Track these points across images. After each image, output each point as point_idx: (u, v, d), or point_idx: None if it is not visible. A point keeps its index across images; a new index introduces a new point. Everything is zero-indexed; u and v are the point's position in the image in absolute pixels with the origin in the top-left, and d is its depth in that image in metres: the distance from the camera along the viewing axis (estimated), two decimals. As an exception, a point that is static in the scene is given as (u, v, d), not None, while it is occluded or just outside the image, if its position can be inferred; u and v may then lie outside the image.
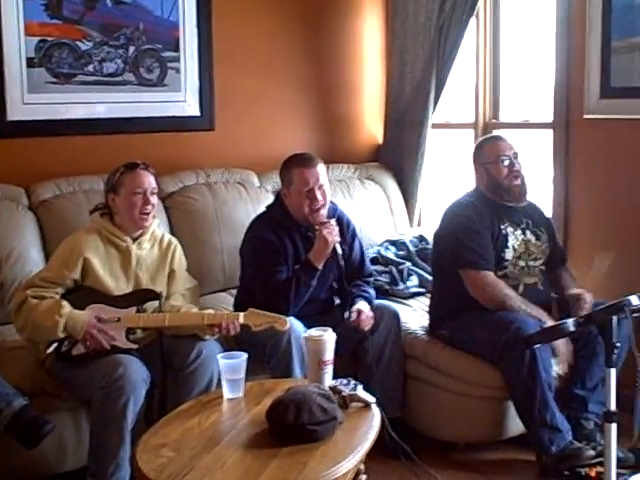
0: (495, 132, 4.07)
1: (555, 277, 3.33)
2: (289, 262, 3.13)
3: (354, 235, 3.34)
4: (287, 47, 4.29)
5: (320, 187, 3.14)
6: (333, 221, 3.14)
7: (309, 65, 4.37)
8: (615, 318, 2.64)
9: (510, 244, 3.22)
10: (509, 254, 3.21)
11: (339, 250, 3.15)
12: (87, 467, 2.77)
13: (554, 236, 3.41)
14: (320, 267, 3.11)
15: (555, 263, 3.33)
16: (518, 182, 3.25)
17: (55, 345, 2.79)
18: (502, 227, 3.23)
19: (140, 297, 2.89)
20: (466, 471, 3.07)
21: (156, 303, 2.91)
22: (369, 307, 3.18)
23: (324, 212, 3.17)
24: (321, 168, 3.18)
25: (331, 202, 3.28)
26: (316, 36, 4.38)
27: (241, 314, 2.80)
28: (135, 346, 2.83)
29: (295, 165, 3.17)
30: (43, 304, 2.75)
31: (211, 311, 2.93)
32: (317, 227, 3.11)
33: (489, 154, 3.28)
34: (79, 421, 2.90)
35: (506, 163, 3.24)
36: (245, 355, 2.47)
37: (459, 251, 3.19)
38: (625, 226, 3.52)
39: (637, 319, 2.72)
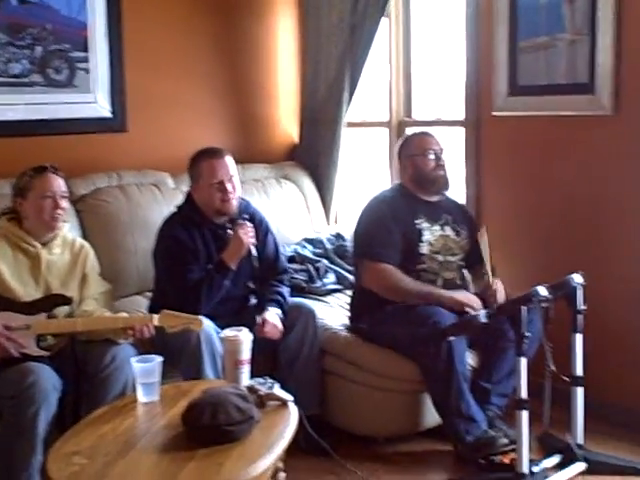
0: (411, 130, 4.13)
1: (476, 273, 3.41)
2: (201, 261, 3.12)
3: (267, 231, 3.34)
4: (200, 47, 4.26)
5: (230, 179, 3.14)
6: (249, 223, 3.14)
7: (223, 65, 4.34)
8: (524, 309, 2.74)
9: (425, 239, 3.27)
10: (424, 248, 3.27)
11: (254, 252, 3.16)
12: (-2, 478, 2.71)
13: (474, 233, 3.46)
14: (234, 267, 3.10)
15: (475, 260, 3.39)
16: (442, 172, 3.33)
17: None
18: (417, 222, 3.29)
19: (50, 303, 2.82)
20: (386, 464, 3.11)
21: (67, 308, 2.85)
22: (280, 312, 3.18)
23: (235, 203, 3.17)
24: (230, 160, 3.18)
25: (243, 199, 3.29)
26: (230, 36, 4.36)
27: (155, 316, 2.77)
28: (46, 353, 2.77)
29: (204, 158, 3.17)
30: (-54, 314, 2.66)
31: (124, 314, 2.89)
32: (233, 227, 3.11)
33: (417, 147, 3.35)
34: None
35: (432, 157, 3.31)
36: (159, 358, 2.44)
37: (363, 243, 3.31)
38: (533, 219, 3.63)
39: (546, 310, 2.83)
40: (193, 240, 3.13)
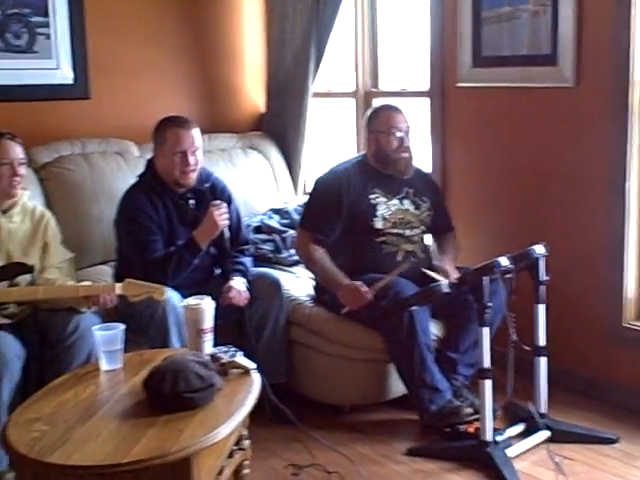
0: (377, 101, 4.12)
1: (440, 244, 3.42)
2: (164, 230, 3.11)
3: (230, 201, 3.31)
4: (165, 13, 4.19)
5: (193, 152, 3.12)
6: (224, 203, 3.12)
7: (188, 32, 4.29)
8: (487, 279, 2.76)
9: (379, 214, 3.26)
10: (379, 223, 3.26)
11: (227, 234, 3.15)
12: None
13: (440, 204, 3.48)
14: (204, 248, 3.09)
15: (439, 230, 3.41)
16: (406, 155, 3.30)
17: None
18: (371, 197, 3.28)
19: (11, 271, 2.79)
20: (351, 432, 3.13)
21: (29, 277, 2.82)
22: (244, 281, 3.19)
23: (194, 176, 3.15)
24: (196, 132, 3.16)
25: (205, 169, 3.26)
26: (195, 3, 4.30)
27: (117, 285, 2.75)
28: (8, 321, 2.75)
29: (171, 125, 3.14)
30: None
31: (87, 283, 2.87)
32: (198, 198, 3.10)
33: (382, 123, 3.31)
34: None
35: (398, 135, 3.28)
36: (122, 326, 2.43)
37: (303, 212, 3.43)
38: (497, 190, 3.64)
39: (509, 280, 2.85)
40: (156, 210, 3.11)
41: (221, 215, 3.09)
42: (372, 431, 3.15)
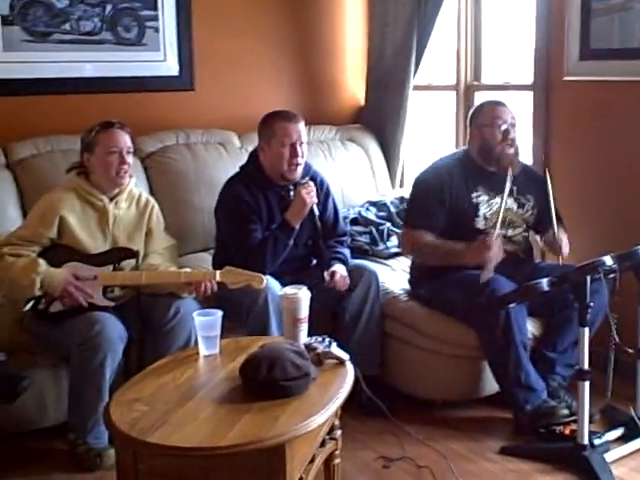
0: (479, 94, 4.06)
1: (548, 239, 3.29)
2: (263, 221, 3.14)
3: (328, 194, 3.34)
4: (268, 6, 4.24)
5: (301, 144, 3.15)
6: (312, 183, 3.15)
7: (291, 24, 4.33)
8: (589, 278, 2.67)
9: (481, 213, 3.19)
10: (480, 223, 3.19)
11: (316, 211, 3.18)
12: (67, 422, 2.81)
13: (546, 198, 3.30)
14: (297, 227, 3.12)
15: (544, 229, 3.29)
16: (511, 151, 3.20)
17: (32, 303, 2.80)
18: (473, 196, 3.21)
19: (117, 255, 2.90)
20: (443, 428, 3.11)
21: (133, 262, 2.92)
22: (344, 268, 3.20)
23: (300, 170, 3.18)
24: (302, 126, 3.19)
25: (305, 162, 3.28)
26: (298, -5, 4.35)
27: (218, 272, 2.81)
28: (112, 304, 2.85)
29: (279, 119, 3.17)
30: (19, 262, 2.76)
31: (188, 270, 2.94)
32: (296, 187, 3.13)
33: (487, 116, 3.23)
34: (59, 377, 2.92)
35: (503, 128, 3.18)
36: (220, 312, 2.48)
37: (407, 209, 3.35)
38: (602, 187, 3.54)
39: (612, 280, 2.76)
40: (256, 200, 3.15)
41: (309, 193, 3.11)
42: (464, 428, 3.12)
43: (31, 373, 2.71)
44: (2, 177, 3.40)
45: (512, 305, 2.90)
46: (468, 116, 3.38)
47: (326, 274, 3.13)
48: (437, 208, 3.18)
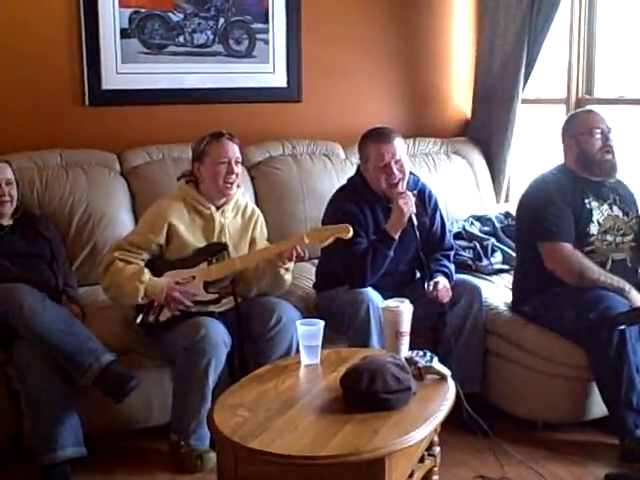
0: (593, 108, 3.95)
1: None
2: (369, 234, 3.14)
3: (436, 207, 3.31)
4: (375, 18, 4.27)
5: (397, 162, 3.11)
6: (410, 192, 3.13)
7: (397, 37, 4.34)
8: None
9: (595, 218, 3.13)
10: (594, 229, 3.12)
11: (415, 221, 3.13)
12: (170, 423, 2.89)
13: None
14: (396, 237, 3.10)
15: None
16: (610, 157, 3.14)
17: (141, 316, 2.89)
18: (586, 201, 3.14)
19: (208, 251, 2.95)
20: (544, 450, 3.02)
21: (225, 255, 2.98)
22: (448, 282, 3.17)
23: (403, 185, 3.15)
24: (398, 142, 3.14)
25: (413, 174, 3.26)
26: (405, 7, 4.35)
27: (304, 234, 2.85)
28: (215, 296, 2.91)
29: (371, 141, 3.15)
30: (127, 269, 2.85)
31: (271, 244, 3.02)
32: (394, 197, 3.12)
33: (582, 125, 3.18)
34: (164, 379, 3.01)
35: (599, 136, 3.13)
36: (322, 322, 2.49)
37: (537, 224, 3.15)
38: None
39: None
40: (363, 213, 3.15)
41: (406, 203, 3.08)
42: (567, 451, 3.02)
43: (138, 374, 2.80)
44: (117, 184, 3.56)
45: (622, 327, 2.80)
46: (561, 128, 3.29)
47: (429, 284, 3.09)
48: (564, 214, 3.10)
